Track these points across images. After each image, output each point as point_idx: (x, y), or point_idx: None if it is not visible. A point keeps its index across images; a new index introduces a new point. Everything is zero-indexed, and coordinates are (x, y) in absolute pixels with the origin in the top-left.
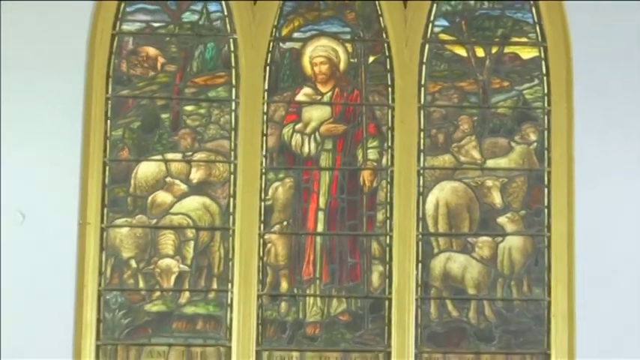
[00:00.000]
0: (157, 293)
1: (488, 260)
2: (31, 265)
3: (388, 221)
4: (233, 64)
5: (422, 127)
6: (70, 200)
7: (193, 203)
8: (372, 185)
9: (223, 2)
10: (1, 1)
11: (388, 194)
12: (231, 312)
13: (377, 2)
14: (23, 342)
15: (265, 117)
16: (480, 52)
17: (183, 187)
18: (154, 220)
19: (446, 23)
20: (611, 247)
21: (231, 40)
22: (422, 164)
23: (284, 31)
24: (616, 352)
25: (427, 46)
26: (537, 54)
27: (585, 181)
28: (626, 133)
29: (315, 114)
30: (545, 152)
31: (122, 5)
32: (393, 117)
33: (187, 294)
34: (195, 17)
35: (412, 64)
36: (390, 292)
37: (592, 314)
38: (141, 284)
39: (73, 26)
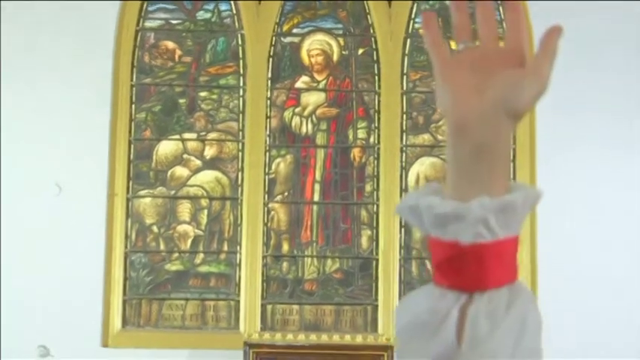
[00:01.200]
0: (176, 254)
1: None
2: (66, 231)
3: (375, 192)
4: (241, 55)
5: (404, 110)
6: (100, 174)
7: (207, 176)
8: (361, 161)
9: (232, 2)
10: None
11: (375, 168)
12: (240, 271)
13: (365, 2)
14: (60, 299)
15: (269, 102)
16: (454, 45)
17: (198, 162)
18: (173, 191)
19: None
20: (572, 225)
21: (239, 35)
22: (404, 142)
23: (285, 27)
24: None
25: (409, 40)
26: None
27: (546, 159)
28: (587, 115)
29: (312, 99)
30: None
31: (145, 5)
32: (379, 101)
33: (202, 255)
34: (208, 15)
35: (396, 56)
36: (377, 254)
37: (553, 297)
38: (161, 247)
39: (102, 23)
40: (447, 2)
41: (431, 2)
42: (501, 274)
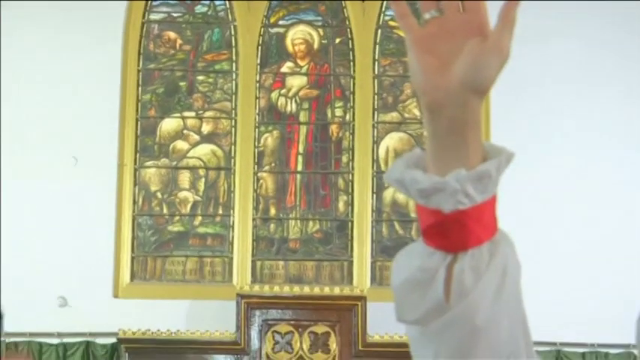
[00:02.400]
0: (177, 217)
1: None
2: (81, 197)
3: (350, 162)
4: (233, 44)
5: (375, 91)
6: (111, 147)
7: (204, 149)
8: (338, 135)
9: None
10: None
11: (350, 142)
12: (233, 231)
13: None
14: (76, 256)
15: (258, 84)
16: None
17: (196, 137)
18: (175, 162)
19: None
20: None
21: (232, 27)
22: (376, 119)
23: (272, 20)
24: None
25: (379, 31)
26: None
27: (499, 133)
28: (533, 91)
29: (296, 82)
30: None
31: (150, 0)
32: (354, 84)
33: (200, 218)
34: (205, 9)
35: (368, 45)
36: (352, 216)
37: None
38: (165, 210)
39: (112, 17)
40: None
41: None
42: (482, 233)
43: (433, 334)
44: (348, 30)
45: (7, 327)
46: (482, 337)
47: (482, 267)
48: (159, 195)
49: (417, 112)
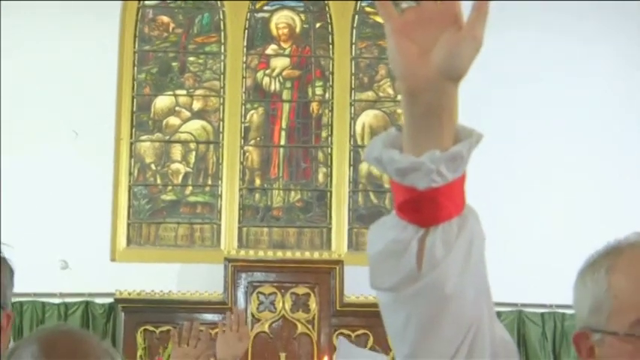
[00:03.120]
0: (170, 187)
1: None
2: (81, 169)
3: (329, 137)
4: (222, 28)
5: (352, 72)
6: (109, 123)
7: (195, 125)
8: (319, 112)
9: None
10: None
11: (329, 119)
12: (221, 200)
13: None
14: (76, 222)
15: (244, 65)
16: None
17: (188, 113)
18: (167, 137)
19: (370, 0)
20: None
21: (220, 12)
22: (353, 98)
23: (257, 5)
24: None
25: (357, 17)
26: None
27: (466, 105)
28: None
29: (279, 63)
30: None
31: None
32: (333, 65)
33: (190, 188)
34: None
35: (346, 29)
36: (330, 187)
37: None
38: (158, 181)
39: (109, 3)
40: None
41: None
42: (452, 209)
43: (405, 301)
44: (328, 15)
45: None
46: (450, 305)
47: (451, 240)
48: (153, 167)
49: (390, 91)
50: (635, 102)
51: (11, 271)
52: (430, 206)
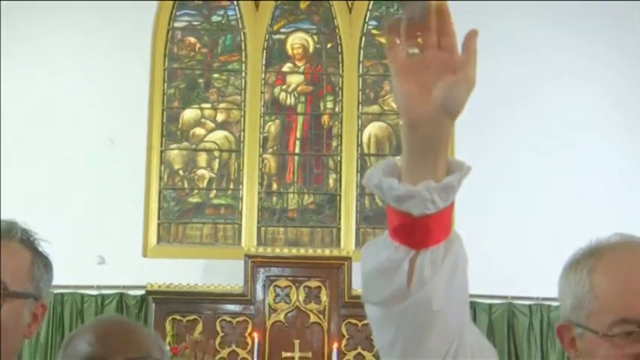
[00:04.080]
0: (196, 191)
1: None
2: (117, 174)
3: (339, 147)
4: (243, 48)
5: (360, 87)
6: (142, 133)
7: (218, 135)
8: (329, 124)
9: (237, 8)
10: None
11: (339, 130)
12: (242, 203)
13: (332, 10)
14: (112, 222)
15: (263, 81)
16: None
17: (212, 124)
18: (194, 146)
19: (375, 23)
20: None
21: (242, 33)
22: (360, 111)
23: (275, 27)
24: None
25: (364, 38)
26: None
27: (462, 118)
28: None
29: (294, 79)
30: None
31: (174, 10)
32: (342, 81)
33: (214, 191)
34: (220, 18)
35: (354, 49)
36: (340, 191)
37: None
38: (185, 185)
39: (143, 25)
40: (391, 9)
41: (380, 10)
42: (441, 233)
43: (395, 317)
44: (338, 37)
45: (55, 281)
46: (437, 320)
47: (438, 262)
48: (181, 172)
49: (394, 105)
50: (623, 106)
51: (47, 265)
52: (422, 231)
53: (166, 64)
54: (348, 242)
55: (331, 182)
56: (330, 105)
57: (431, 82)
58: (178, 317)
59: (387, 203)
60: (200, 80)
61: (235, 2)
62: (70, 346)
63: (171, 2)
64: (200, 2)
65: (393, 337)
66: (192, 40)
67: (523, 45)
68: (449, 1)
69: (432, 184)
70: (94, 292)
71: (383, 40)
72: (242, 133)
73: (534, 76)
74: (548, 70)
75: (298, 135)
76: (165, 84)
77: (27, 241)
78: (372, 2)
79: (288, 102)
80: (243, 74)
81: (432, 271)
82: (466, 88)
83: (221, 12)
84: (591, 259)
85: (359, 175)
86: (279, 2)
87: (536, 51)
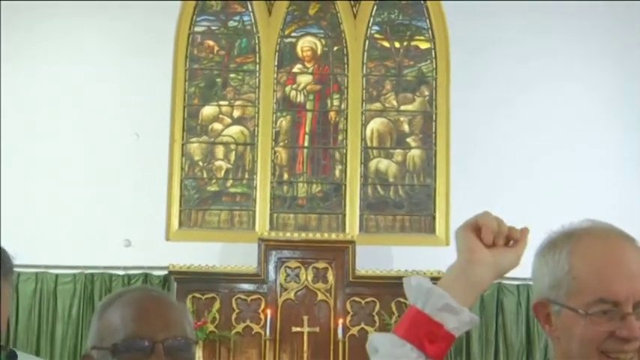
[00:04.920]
0: (214, 180)
1: (401, 163)
2: (142, 165)
3: (345, 140)
4: (257, 50)
5: (363, 87)
6: (165, 127)
7: (234, 129)
8: (336, 120)
9: (251, 15)
10: None
11: (344, 125)
12: (256, 191)
13: (338, 15)
14: (138, 208)
15: (275, 80)
16: (397, 44)
17: (229, 120)
18: (212, 139)
19: (378, 28)
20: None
21: (256, 37)
22: (364, 108)
23: (286, 32)
24: None
25: (367, 42)
26: (429, 45)
27: (458, 116)
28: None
29: (304, 79)
30: (433, 102)
31: (194, 16)
32: (347, 81)
33: (231, 181)
34: (236, 23)
35: (358, 51)
36: (345, 180)
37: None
38: (204, 175)
39: (166, 30)
40: (392, 15)
41: (382, 15)
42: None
43: None
44: (344, 40)
45: (86, 260)
46: None
47: None
48: (200, 163)
49: (395, 102)
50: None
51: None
52: (443, 345)
53: (187, 65)
54: (352, 227)
55: (337, 172)
56: (336, 102)
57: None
58: (198, 295)
59: (420, 308)
60: (218, 80)
61: (250, 9)
62: (107, 315)
63: (192, 9)
64: (218, 9)
65: None
66: (211, 43)
67: (517, 49)
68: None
69: (474, 316)
70: (121, 273)
71: (385, 43)
72: (256, 128)
73: (528, 77)
74: (541, 71)
75: (307, 130)
76: (186, 83)
77: None
78: (374, 9)
79: (298, 100)
80: (257, 74)
81: None
82: (515, 263)
83: (237, 18)
84: (569, 242)
85: (362, 166)
86: (289, 9)
87: (529, 54)
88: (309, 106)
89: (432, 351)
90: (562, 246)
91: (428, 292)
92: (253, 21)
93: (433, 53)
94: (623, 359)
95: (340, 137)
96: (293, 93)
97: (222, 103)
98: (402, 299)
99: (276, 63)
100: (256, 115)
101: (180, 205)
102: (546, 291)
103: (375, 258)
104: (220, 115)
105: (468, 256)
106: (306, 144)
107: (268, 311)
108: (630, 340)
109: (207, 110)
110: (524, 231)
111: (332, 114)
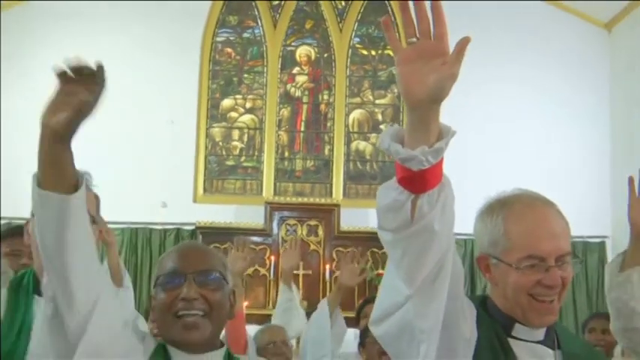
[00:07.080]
0: (231, 156)
1: (375, 144)
2: (175, 145)
3: (332, 126)
4: (265, 56)
5: (347, 85)
6: (193, 115)
7: (247, 117)
8: (326, 110)
9: (261, 28)
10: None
11: (332, 115)
12: (263, 165)
13: (328, 30)
14: (172, 176)
15: (279, 79)
16: (373, 52)
17: (243, 110)
18: (230, 125)
19: (359, 40)
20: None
21: (264, 46)
22: (347, 102)
23: (288, 42)
24: None
25: (350, 50)
26: None
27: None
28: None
29: (301, 79)
30: (401, 97)
31: (216, 30)
32: (335, 80)
33: (244, 157)
34: (249, 35)
35: (343, 58)
36: (332, 158)
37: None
38: (223, 152)
39: (193, 40)
40: (369, 30)
41: (362, 30)
42: (434, 181)
43: (402, 239)
44: (332, 49)
45: (131, 218)
46: (436, 238)
47: (433, 201)
48: (220, 143)
49: (371, 97)
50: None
51: (97, 198)
52: (420, 181)
53: (210, 67)
54: (337, 194)
55: (326, 151)
56: (326, 97)
57: (424, 71)
58: (218, 245)
59: (394, 159)
60: (234, 79)
61: (259, 24)
62: (162, 263)
63: (214, 23)
64: (235, 23)
65: (401, 254)
66: (229, 50)
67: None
68: (442, 1)
69: (426, 149)
70: (159, 227)
71: (364, 51)
72: (264, 116)
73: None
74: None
75: (303, 118)
76: (210, 81)
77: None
78: (356, 25)
79: (297, 95)
80: (265, 75)
81: (428, 208)
82: (450, 82)
83: (249, 30)
84: (504, 208)
85: (346, 146)
86: (290, 24)
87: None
88: (304, 99)
89: (415, 187)
90: (498, 211)
91: (386, 150)
92: (262, 33)
93: None
94: (549, 300)
95: (329, 124)
96: (292, 89)
97: (237, 96)
98: (375, 249)
99: (279, 66)
100: (264, 106)
101: (205, 176)
102: (486, 247)
103: (355, 218)
104: (236, 106)
105: (406, 103)
106: (302, 129)
107: (272, 258)
108: (553, 287)
109: (226, 102)
110: (464, 40)
111: (322, 106)
